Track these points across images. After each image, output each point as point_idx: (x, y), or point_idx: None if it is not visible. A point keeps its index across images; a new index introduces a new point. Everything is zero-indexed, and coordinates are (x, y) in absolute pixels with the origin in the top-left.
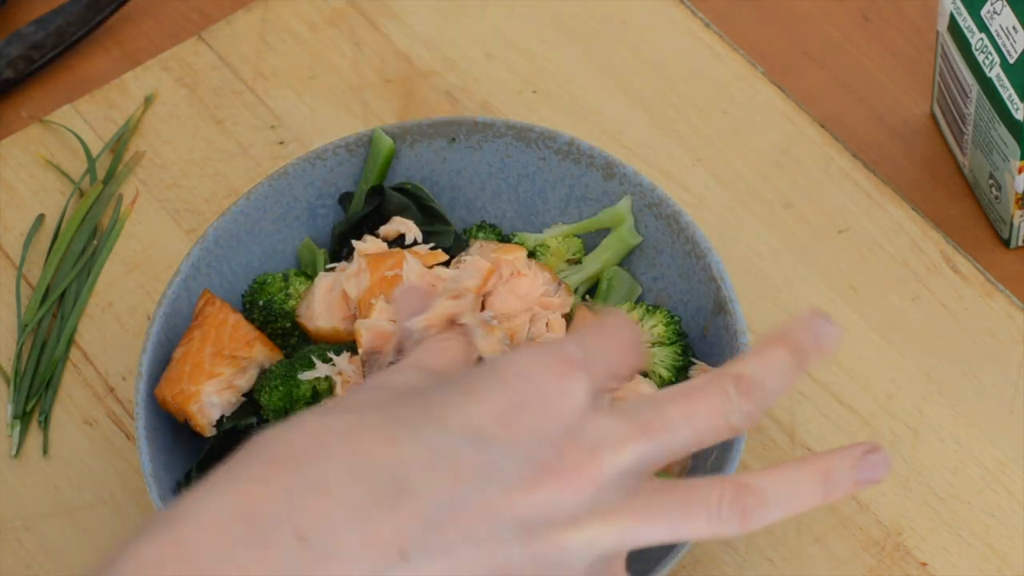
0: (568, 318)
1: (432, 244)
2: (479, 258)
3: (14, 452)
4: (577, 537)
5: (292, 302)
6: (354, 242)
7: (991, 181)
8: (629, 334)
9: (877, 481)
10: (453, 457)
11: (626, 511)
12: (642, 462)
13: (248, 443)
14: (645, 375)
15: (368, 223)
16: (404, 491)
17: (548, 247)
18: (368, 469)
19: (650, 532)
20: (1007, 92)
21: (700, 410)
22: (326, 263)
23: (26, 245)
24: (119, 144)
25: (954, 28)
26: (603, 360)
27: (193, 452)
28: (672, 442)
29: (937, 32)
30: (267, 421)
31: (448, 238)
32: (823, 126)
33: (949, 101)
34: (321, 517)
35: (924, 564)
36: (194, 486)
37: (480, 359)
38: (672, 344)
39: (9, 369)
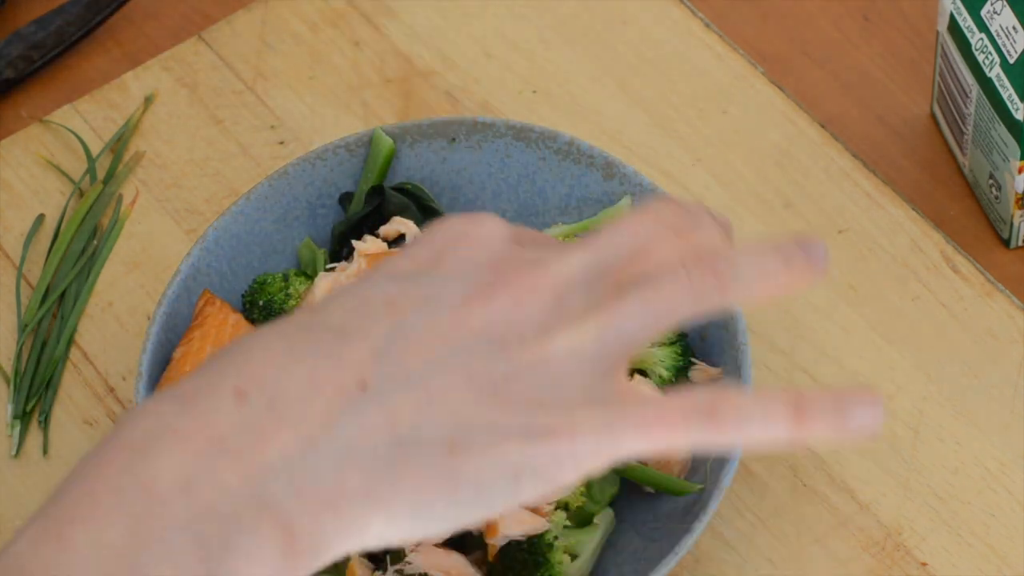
0: None
1: None
2: None
3: (14, 452)
4: (555, 344)
5: (292, 302)
6: (354, 242)
7: (991, 181)
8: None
9: (859, 428)
10: (385, 296)
11: (597, 308)
12: (593, 266)
13: None
14: (644, 374)
15: (368, 223)
16: (342, 334)
17: None
18: (298, 329)
19: (631, 323)
20: (1007, 92)
21: (646, 223)
22: (326, 263)
23: (26, 245)
24: (119, 144)
25: (954, 28)
26: (531, 233)
27: None
28: (617, 246)
29: (937, 32)
30: None
31: None
32: (823, 126)
33: (949, 101)
34: (257, 373)
35: (924, 564)
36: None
37: None
38: (672, 344)
39: (9, 369)
